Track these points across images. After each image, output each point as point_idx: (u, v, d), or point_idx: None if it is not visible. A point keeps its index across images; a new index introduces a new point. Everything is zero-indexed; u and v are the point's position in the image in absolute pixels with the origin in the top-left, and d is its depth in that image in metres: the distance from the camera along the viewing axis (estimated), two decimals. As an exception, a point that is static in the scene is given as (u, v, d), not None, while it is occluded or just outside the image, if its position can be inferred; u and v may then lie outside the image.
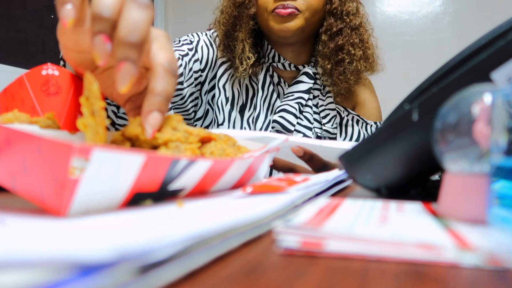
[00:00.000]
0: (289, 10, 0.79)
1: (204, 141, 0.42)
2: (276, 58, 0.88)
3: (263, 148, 0.45)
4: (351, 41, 0.83)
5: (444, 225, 0.25)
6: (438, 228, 0.24)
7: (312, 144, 0.57)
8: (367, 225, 0.24)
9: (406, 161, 0.40)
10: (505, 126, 0.24)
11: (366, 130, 0.92)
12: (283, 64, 0.88)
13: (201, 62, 0.88)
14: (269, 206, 0.28)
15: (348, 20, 0.83)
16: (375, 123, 0.93)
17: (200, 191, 0.36)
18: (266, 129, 0.88)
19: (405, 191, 0.47)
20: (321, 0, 0.83)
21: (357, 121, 0.92)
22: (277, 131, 0.85)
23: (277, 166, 0.64)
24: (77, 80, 0.58)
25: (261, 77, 0.89)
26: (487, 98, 0.26)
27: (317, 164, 0.61)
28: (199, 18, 2.33)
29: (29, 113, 0.46)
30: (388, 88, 1.96)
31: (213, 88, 0.91)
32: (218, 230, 0.20)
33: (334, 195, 0.47)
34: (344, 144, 0.63)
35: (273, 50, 0.88)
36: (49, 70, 0.55)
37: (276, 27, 0.81)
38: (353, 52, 0.83)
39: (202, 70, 0.89)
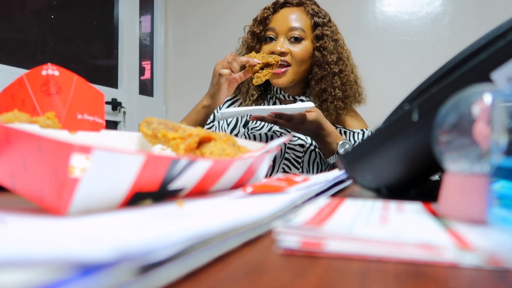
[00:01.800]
0: (282, 70, 1.06)
1: (204, 141, 0.42)
2: (278, 91, 1.17)
3: (263, 148, 0.45)
4: (333, 84, 1.08)
5: (444, 225, 0.25)
6: (438, 228, 0.24)
7: (279, 108, 0.90)
8: (367, 225, 0.24)
9: (406, 161, 0.40)
10: (505, 126, 0.24)
11: (353, 137, 1.12)
12: (283, 95, 1.17)
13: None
14: (269, 206, 0.28)
15: (329, 69, 1.08)
16: (361, 130, 1.14)
17: (200, 191, 0.36)
18: (266, 135, 1.10)
19: (405, 191, 0.47)
20: (306, 52, 1.08)
21: (344, 132, 1.13)
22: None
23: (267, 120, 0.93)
24: (78, 80, 0.58)
25: (265, 103, 1.18)
26: (487, 98, 0.26)
27: (285, 117, 0.91)
28: (198, 20, 2.33)
29: (29, 113, 0.46)
30: (388, 88, 1.96)
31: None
32: (218, 231, 0.20)
33: (334, 195, 0.47)
34: (300, 105, 0.91)
35: (275, 87, 1.17)
36: (49, 70, 0.55)
37: (272, 81, 1.10)
38: (333, 93, 1.08)
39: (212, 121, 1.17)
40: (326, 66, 1.08)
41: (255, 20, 1.14)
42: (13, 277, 0.12)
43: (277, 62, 0.97)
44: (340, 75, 1.09)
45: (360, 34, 2.02)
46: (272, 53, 1.05)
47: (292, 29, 1.07)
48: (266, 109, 0.88)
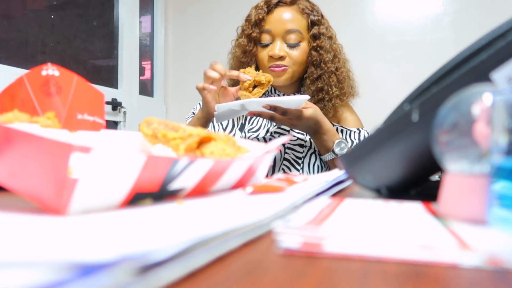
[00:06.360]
0: (281, 69, 1.06)
1: (204, 141, 0.42)
2: (273, 91, 1.17)
3: (263, 148, 0.45)
4: (330, 83, 1.08)
5: (444, 225, 0.25)
6: (438, 228, 0.24)
7: (274, 100, 0.88)
8: (367, 225, 0.24)
9: (406, 161, 0.40)
10: (505, 126, 0.24)
11: (350, 136, 1.11)
12: (278, 94, 1.17)
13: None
14: (269, 206, 0.28)
15: (326, 67, 1.08)
16: (358, 129, 1.13)
17: (200, 191, 0.36)
18: (264, 138, 1.09)
19: (405, 191, 0.47)
20: (303, 54, 1.08)
21: (341, 131, 1.12)
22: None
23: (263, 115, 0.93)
24: (78, 80, 0.58)
25: None
26: (487, 98, 0.26)
27: (280, 110, 0.89)
28: (198, 20, 2.33)
29: (29, 113, 0.46)
30: (388, 88, 1.96)
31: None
32: (218, 231, 0.20)
33: (334, 195, 0.47)
34: (295, 97, 0.89)
35: (270, 87, 1.19)
36: (49, 70, 0.55)
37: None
38: (331, 92, 1.08)
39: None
40: (323, 65, 1.07)
41: (248, 21, 1.12)
42: (13, 277, 0.12)
43: (269, 82, 0.95)
44: (336, 73, 1.09)
45: (360, 34, 2.02)
46: (271, 57, 1.06)
47: (289, 31, 1.06)
48: (261, 101, 0.86)
